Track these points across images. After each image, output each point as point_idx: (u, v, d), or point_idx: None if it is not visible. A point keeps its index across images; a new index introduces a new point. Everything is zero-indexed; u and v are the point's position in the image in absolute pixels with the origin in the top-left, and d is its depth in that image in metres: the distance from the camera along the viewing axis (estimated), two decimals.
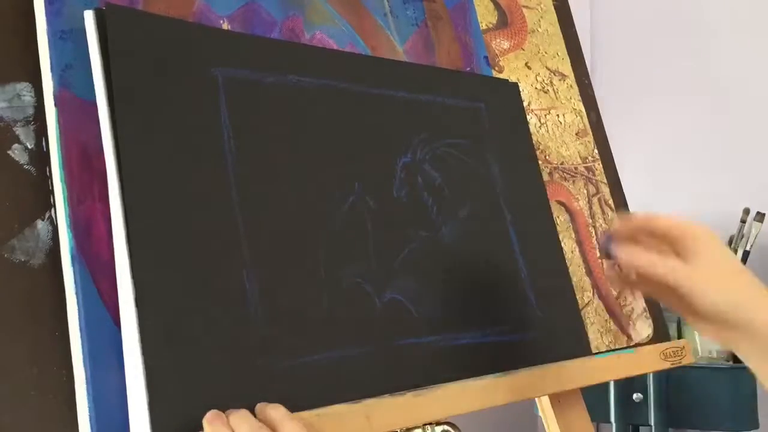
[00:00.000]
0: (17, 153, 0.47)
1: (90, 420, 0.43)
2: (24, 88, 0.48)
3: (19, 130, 0.48)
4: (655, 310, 0.84)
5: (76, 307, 0.45)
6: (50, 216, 0.47)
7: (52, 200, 0.47)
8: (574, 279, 0.76)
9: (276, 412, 0.45)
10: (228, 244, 0.50)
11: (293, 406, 0.47)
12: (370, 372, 0.54)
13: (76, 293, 0.45)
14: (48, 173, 0.48)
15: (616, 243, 0.58)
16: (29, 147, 0.48)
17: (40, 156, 0.48)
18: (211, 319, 0.47)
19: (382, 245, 0.59)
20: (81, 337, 0.44)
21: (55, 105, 0.47)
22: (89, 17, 0.49)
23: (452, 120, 0.69)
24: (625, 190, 0.89)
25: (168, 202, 0.48)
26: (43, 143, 0.48)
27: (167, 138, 0.49)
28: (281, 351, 0.50)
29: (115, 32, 0.49)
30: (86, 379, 0.44)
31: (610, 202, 0.86)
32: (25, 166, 0.47)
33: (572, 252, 0.78)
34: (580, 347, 0.71)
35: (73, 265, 0.45)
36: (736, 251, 1.29)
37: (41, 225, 0.47)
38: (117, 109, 0.47)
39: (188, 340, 0.46)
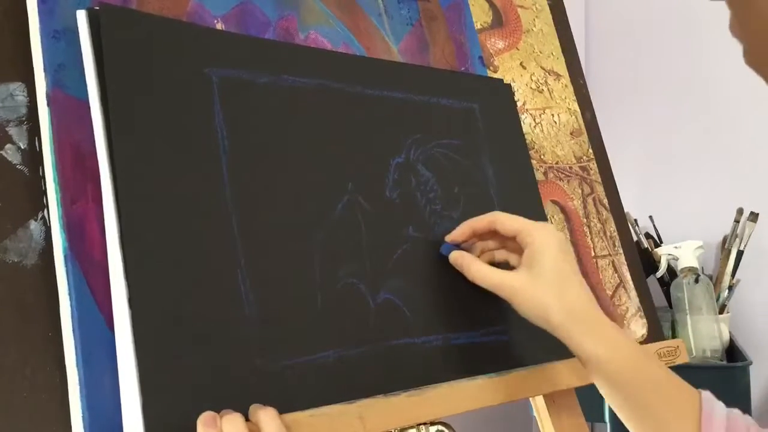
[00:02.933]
0: (10, 153, 0.47)
1: (83, 420, 0.43)
2: (17, 88, 0.48)
3: (12, 130, 0.47)
4: (649, 309, 0.84)
5: (69, 308, 0.45)
6: (43, 216, 0.47)
7: (45, 200, 0.47)
8: None
9: (265, 414, 0.44)
10: (222, 244, 0.50)
11: (288, 407, 0.47)
12: (365, 372, 0.54)
13: (69, 294, 0.45)
14: (41, 173, 0.47)
15: (451, 248, 0.62)
16: (22, 147, 0.48)
17: (33, 156, 0.48)
18: (205, 319, 0.47)
19: (375, 246, 0.59)
20: (74, 337, 0.44)
21: (48, 105, 0.47)
22: (82, 17, 0.48)
23: (446, 120, 0.69)
24: (619, 190, 0.89)
25: (162, 202, 0.48)
26: (36, 143, 0.48)
27: (161, 138, 0.49)
28: (275, 352, 0.50)
29: (108, 32, 0.48)
30: (79, 379, 0.44)
31: (605, 201, 0.86)
32: (18, 166, 0.47)
33: None
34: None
35: (66, 265, 0.45)
36: (729, 251, 1.30)
37: (34, 225, 0.47)
38: (110, 109, 0.47)
39: (182, 341, 0.46)
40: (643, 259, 0.99)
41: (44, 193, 0.47)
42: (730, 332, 1.25)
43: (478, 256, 0.63)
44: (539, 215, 0.76)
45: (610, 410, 1.14)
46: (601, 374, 0.56)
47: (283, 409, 0.47)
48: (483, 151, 0.71)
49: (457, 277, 0.64)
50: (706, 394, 0.56)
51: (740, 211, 1.32)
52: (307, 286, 0.54)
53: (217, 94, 0.53)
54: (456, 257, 0.61)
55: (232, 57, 0.55)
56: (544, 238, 0.57)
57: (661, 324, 0.87)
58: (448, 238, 0.62)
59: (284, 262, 0.53)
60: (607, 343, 0.55)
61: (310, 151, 0.58)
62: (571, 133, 0.87)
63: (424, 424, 0.64)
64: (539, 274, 0.56)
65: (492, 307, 0.65)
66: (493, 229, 0.61)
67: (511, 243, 0.62)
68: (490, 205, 0.70)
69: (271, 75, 0.57)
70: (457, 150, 0.68)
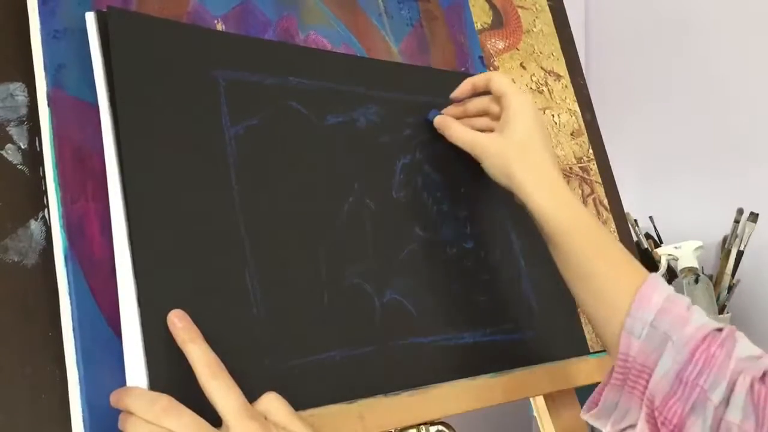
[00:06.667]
0: (10, 153, 0.47)
1: (83, 420, 0.43)
2: (17, 88, 0.48)
3: (12, 130, 0.47)
4: None
5: (69, 307, 0.45)
6: (43, 216, 0.47)
7: (45, 200, 0.47)
8: None
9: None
10: (230, 245, 0.50)
11: (296, 405, 0.47)
12: (372, 371, 0.55)
13: (69, 293, 0.45)
14: (41, 173, 0.48)
15: (437, 114, 0.66)
16: (22, 147, 0.48)
17: (34, 156, 0.48)
18: (214, 318, 0.47)
19: (381, 245, 0.59)
20: (74, 336, 0.44)
21: (49, 105, 0.47)
22: (90, 19, 0.49)
23: None
24: (619, 190, 0.89)
25: (170, 203, 0.48)
26: (37, 143, 0.48)
27: (169, 140, 0.49)
28: (284, 351, 0.50)
29: (116, 35, 0.49)
30: (79, 378, 0.44)
31: (605, 202, 0.86)
32: (19, 166, 0.47)
33: None
34: (577, 346, 0.71)
35: (66, 264, 0.45)
36: (729, 251, 1.30)
37: (34, 225, 0.47)
38: (119, 111, 0.47)
39: None
40: (643, 259, 0.99)
41: (44, 192, 0.47)
42: None
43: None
44: None
45: None
46: (549, 227, 0.56)
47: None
48: None
49: (462, 277, 0.64)
50: (655, 275, 0.55)
51: (740, 211, 1.32)
52: (314, 285, 0.54)
53: (224, 95, 0.53)
54: (439, 120, 0.65)
55: (239, 59, 0.55)
56: (521, 105, 0.60)
57: None
58: (453, 94, 0.65)
59: (291, 262, 0.53)
60: (561, 200, 0.57)
61: (317, 151, 0.58)
62: (571, 134, 0.87)
63: (424, 424, 0.64)
64: (510, 135, 0.59)
65: (496, 307, 0.65)
66: (488, 88, 0.63)
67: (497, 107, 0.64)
68: (496, 205, 0.70)
69: (278, 77, 0.57)
70: (462, 150, 0.69)
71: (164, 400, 0.41)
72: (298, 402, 0.48)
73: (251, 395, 0.45)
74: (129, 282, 0.45)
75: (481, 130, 0.63)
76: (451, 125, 0.64)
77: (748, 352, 0.49)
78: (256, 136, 0.54)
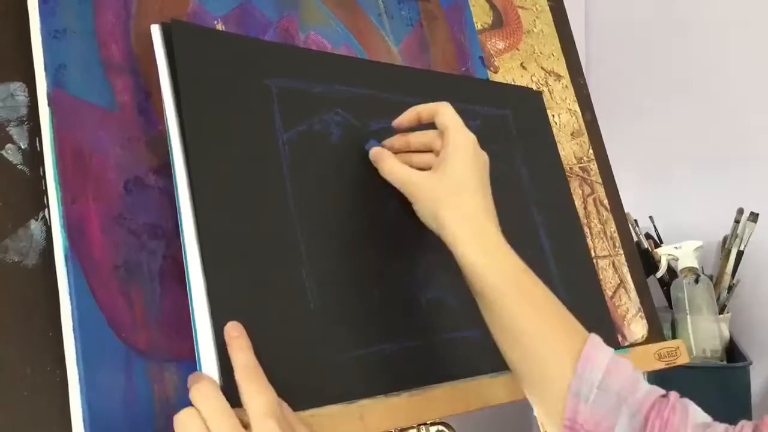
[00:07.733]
0: (11, 153, 0.47)
1: (83, 420, 0.43)
2: (17, 88, 0.48)
3: (12, 130, 0.48)
4: (649, 310, 0.84)
5: (69, 307, 0.45)
6: (44, 216, 0.47)
7: (45, 200, 0.47)
8: None
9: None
10: (287, 244, 0.53)
11: (352, 395, 0.51)
12: (420, 363, 0.57)
13: (70, 293, 0.45)
14: (41, 173, 0.48)
15: (374, 144, 0.60)
16: (23, 147, 0.48)
17: (34, 156, 0.48)
18: (275, 313, 0.50)
19: (424, 244, 0.61)
20: (74, 336, 0.44)
21: (49, 105, 0.47)
22: (156, 31, 0.51)
23: (484, 126, 0.71)
24: (619, 190, 0.89)
25: (234, 207, 0.51)
26: (37, 143, 0.48)
27: (230, 147, 0.52)
28: (339, 343, 0.53)
29: (180, 45, 0.51)
30: (79, 379, 0.44)
31: (605, 202, 0.86)
32: (19, 166, 0.47)
33: None
34: (610, 341, 0.72)
35: (66, 265, 0.45)
36: (729, 251, 1.30)
37: (35, 225, 0.47)
38: (185, 117, 0.50)
39: (257, 334, 0.47)
40: (643, 259, 0.99)
41: (45, 192, 0.47)
42: (730, 332, 1.25)
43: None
44: (573, 215, 0.78)
45: None
46: (477, 284, 0.52)
47: (346, 398, 0.51)
48: (517, 156, 0.74)
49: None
50: (595, 337, 0.51)
51: (740, 211, 1.32)
52: (363, 283, 0.56)
53: (276, 102, 0.56)
54: (374, 153, 0.59)
55: (289, 68, 0.58)
56: (461, 142, 0.56)
57: (662, 324, 0.87)
58: (396, 122, 0.60)
59: (342, 261, 0.56)
60: (493, 255, 0.52)
61: (361, 154, 0.60)
62: (571, 134, 0.87)
63: (424, 424, 0.64)
64: (443, 175, 0.55)
65: None
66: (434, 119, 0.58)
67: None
68: (527, 206, 0.72)
69: (325, 84, 0.60)
70: (495, 154, 0.71)
71: (202, 383, 0.43)
72: (354, 391, 0.52)
73: (311, 386, 0.49)
74: (199, 280, 0.47)
75: (421, 169, 0.58)
76: (385, 159, 0.58)
77: (701, 418, 0.48)
78: (305, 140, 0.57)
